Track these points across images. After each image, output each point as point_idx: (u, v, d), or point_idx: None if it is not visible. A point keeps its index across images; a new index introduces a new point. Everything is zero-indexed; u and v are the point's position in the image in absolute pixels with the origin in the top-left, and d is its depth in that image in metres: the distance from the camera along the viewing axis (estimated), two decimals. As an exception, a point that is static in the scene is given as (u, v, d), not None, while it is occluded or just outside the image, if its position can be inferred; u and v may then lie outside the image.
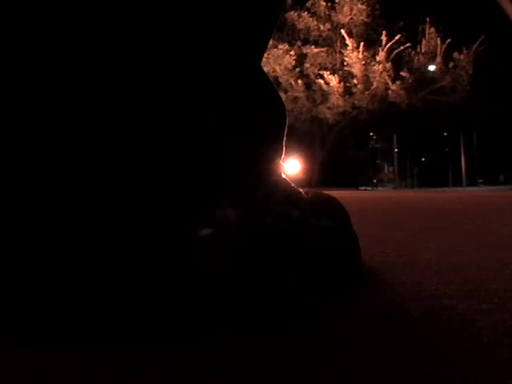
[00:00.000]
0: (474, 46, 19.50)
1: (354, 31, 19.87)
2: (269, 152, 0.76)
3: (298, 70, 19.82)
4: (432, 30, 19.85)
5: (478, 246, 1.34)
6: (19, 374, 0.42)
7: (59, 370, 0.43)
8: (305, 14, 20.19)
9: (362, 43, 19.13)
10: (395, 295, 0.73)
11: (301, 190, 0.80)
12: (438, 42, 19.77)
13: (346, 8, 19.64)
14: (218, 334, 0.52)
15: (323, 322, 0.57)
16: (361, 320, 0.59)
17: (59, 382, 0.41)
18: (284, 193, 0.72)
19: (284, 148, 0.86)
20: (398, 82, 19.23)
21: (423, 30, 20.04)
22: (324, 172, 21.46)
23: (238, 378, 0.41)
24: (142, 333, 0.52)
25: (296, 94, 19.84)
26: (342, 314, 0.61)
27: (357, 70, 19.21)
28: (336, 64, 20.20)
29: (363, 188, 19.77)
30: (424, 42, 20.00)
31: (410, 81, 19.40)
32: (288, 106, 19.84)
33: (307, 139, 21.17)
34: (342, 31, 19.35)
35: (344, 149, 24.68)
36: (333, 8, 19.98)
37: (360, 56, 19.08)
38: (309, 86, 20.03)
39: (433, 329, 0.55)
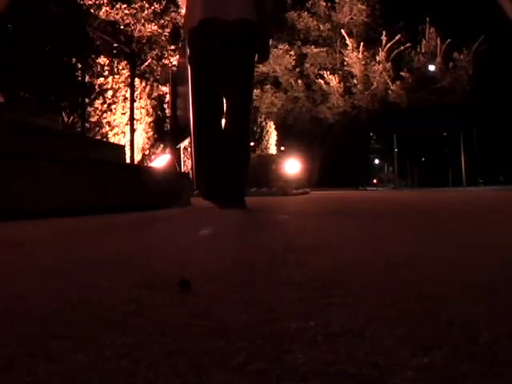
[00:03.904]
0: (474, 46, 19.48)
1: (354, 31, 19.86)
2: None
3: (298, 70, 19.82)
4: (432, 30, 19.84)
5: (478, 245, 1.34)
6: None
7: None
8: (305, 14, 20.18)
9: (361, 43, 19.12)
10: (395, 296, 0.73)
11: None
12: (438, 42, 19.76)
13: (345, 8, 19.63)
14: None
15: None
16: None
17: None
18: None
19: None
20: (397, 82, 19.21)
21: (423, 30, 20.04)
22: (324, 172, 21.46)
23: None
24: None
25: (296, 94, 19.83)
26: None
27: (357, 69, 19.20)
28: (336, 64, 20.20)
29: (363, 188, 19.74)
30: (424, 42, 19.99)
31: (410, 81, 19.38)
32: (288, 106, 19.89)
33: (307, 139, 21.17)
34: (342, 31, 19.34)
35: (344, 149, 24.67)
36: (333, 8, 19.98)
37: (360, 56, 19.07)
38: (309, 85, 20.03)
39: (432, 328, 0.55)
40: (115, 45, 8.94)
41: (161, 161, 9.85)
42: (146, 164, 10.22)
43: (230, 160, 3.39)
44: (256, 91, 19.10)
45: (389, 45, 19.20)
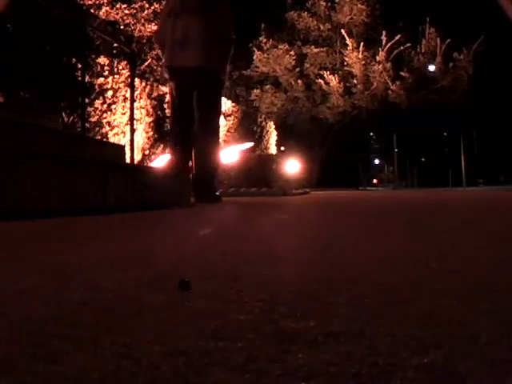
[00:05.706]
0: (474, 46, 19.45)
1: (353, 31, 19.83)
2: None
3: (297, 70, 19.78)
4: (432, 30, 19.80)
5: (477, 245, 1.34)
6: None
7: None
8: (305, 14, 20.14)
9: (361, 43, 19.09)
10: (395, 296, 0.72)
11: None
12: (438, 42, 19.72)
13: (345, 8, 19.59)
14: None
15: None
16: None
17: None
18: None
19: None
20: (397, 82, 19.18)
21: (423, 30, 20.00)
22: (324, 172, 21.43)
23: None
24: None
25: (296, 94, 19.78)
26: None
27: (357, 69, 19.17)
28: (336, 64, 20.17)
29: (363, 188, 19.70)
30: (424, 42, 19.95)
31: (409, 81, 19.36)
32: (288, 106, 19.87)
33: (307, 139, 21.14)
34: (342, 31, 19.32)
35: (344, 149, 24.65)
36: (333, 8, 19.94)
37: (360, 56, 19.04)
38: (309, 85, 19.99)
39: (432, 328, 0.55)
40: (115, 45, 8.92)
41: (161, 161, 9.85)
42: (146, 164, 10.22)
43: (201, 166, 4.41)
44: (256, 91, 19.10)
45: (389, 45, 19.17)
